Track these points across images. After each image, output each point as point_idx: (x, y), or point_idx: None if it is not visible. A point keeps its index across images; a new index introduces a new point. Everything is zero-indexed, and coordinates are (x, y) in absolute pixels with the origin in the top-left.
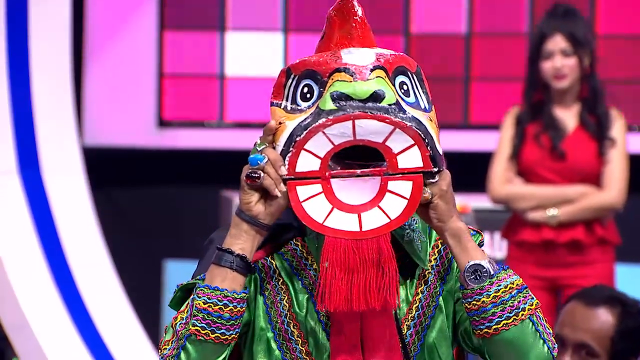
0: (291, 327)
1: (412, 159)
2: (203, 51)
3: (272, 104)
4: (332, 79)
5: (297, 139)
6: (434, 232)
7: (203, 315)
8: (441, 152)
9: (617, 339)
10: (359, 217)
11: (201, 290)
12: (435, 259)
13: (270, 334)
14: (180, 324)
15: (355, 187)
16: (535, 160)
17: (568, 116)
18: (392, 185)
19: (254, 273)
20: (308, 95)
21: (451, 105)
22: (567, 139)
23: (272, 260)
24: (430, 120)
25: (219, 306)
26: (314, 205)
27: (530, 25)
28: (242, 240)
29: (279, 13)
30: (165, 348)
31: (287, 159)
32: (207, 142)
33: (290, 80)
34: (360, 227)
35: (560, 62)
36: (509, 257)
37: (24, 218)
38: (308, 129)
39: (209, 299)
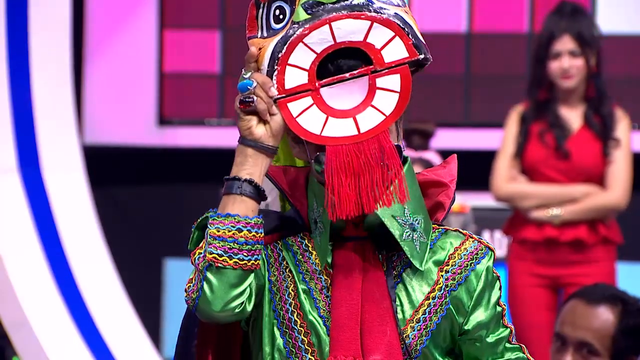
0: (295, 316)
1: (396, 50)
2: (203, 50)
3: (248, 39)
4: None
5: (280, 55)
6: (450, 235)
7: (218, 243)
8: (423, 41)
9: (618, 337)
10: (355, 120)
11: (213, 219)
12: (454, 263)
13: (274, 321)
14: (198, 257)
15: (345, 91)
16: (540, 159)
17: (573, 116)
18: (380, 81)
19: (266, 199)
20: (281, 17)
21: (452, 103)
22: (572, 138)
23: (281, 248)
24: (407, 12)
25: (233, 232)
26: (308, 118)
27: (531, 24)
28: (248, 166)
29: None
30: (189, 286)
31: (274, 78)
32: (208, 141)
33: (260, 10)
34: (358, 129)
35: (568, 62)
36: (511, 255)
37: (24, 216)
38: (287, 43)
39: (222, 225)
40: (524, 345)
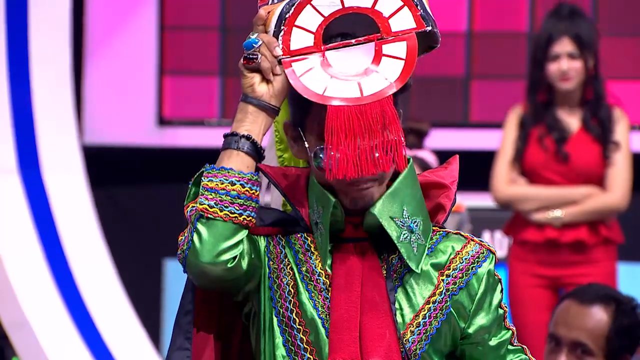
0: (294, 314)
1: (404, 20)
2: (203, 50)
3: (259, 7)
4: None
5: (287, 16)
6: (451, 238)
7: (210, 194)
8: (432, 14)
9: (613, 337)
10: (359, 83)
11: (208, 172)
12: (455, 267)
13: (275, 318)
14: (191, 210)
15: (351, 56)
16: (539, 163)
17: (571, 118)
18: (386, 48)
19: (263, 159)
20: None
21: (451, 103)
22: (571, 140)
23: (283, 245)
24: None
25: (225, 184)
26: (312, 78)
27: (531, 23)
28: (247, 122)
29: None
30: (180, 239)
31: (280, 38)
32: (208, 141)
33: None
34: (361, 92)
35: (567, 65)
36: (512, 255)
37: (24, 217)
38: (295, 5)
39: (215, 178)
40: (525, 347)
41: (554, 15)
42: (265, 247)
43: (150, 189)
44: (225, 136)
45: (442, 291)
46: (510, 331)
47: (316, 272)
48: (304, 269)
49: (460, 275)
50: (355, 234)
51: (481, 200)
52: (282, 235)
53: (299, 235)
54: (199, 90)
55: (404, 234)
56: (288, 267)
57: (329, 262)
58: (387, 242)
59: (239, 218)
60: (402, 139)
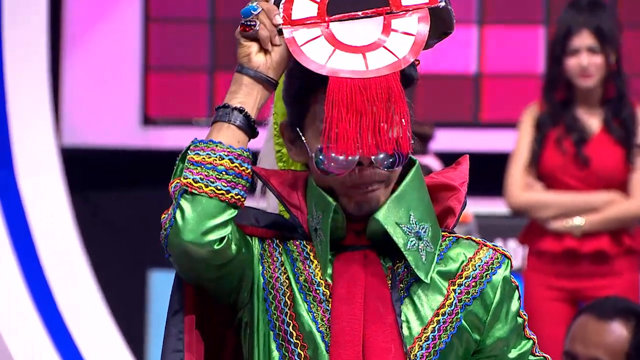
0: (290, 327)
1: None
2: (191, 43)
3: None
4: None
5: None
6: (462, 244)
7: (195, 168)
8: None
9: (633, 354)
10: (364, 56)
11: (195, 145)
12: (467, 276)
13: (270, 332)
14: (175, 186)
15: (358, 29)
16: (557, 166)
17: (592, 118)
18: (396, 23)
19: (257, 134)
20: None
21: (461, 102)
22: (591, 143)
23: (280, 252)
24: None
25: (213, 158)
26: (314, 48)
27: (547, 15)
28: (241, 94)
29: None
30: (164, 217)
31: (281, 7)
32: None
33: None
34: (366, 66)
35: (587, 59)
36: (528, 267)
37: None
38: None
39: (202, 152)
40: (548, 356)
41: (573, 6)
42: (260, 253)
43: (134, 194)
44: (217, 108)
45: (452, 302)
46: (531, 341)
47: (315, 282)
48: (302, 278)
49: (473, 284)
50: (357, 241)
51: (493, 207)
52: (279, 241)
53: (297, 242)
54: (187, 87)
55: (411, 241)
56: (284, 276)
57: (329, 271)
58: (392, 250)
59: (226, 195)
60: (409, 119)
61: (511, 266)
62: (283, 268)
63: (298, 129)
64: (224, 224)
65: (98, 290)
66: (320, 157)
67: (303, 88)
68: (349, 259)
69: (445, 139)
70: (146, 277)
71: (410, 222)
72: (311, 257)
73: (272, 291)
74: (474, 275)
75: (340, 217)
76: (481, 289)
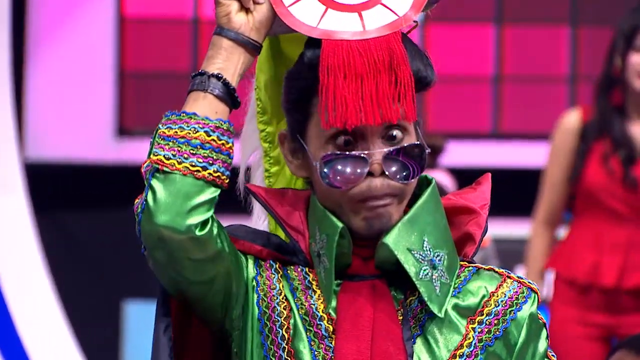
0: None
1: None
2: (172, 45)
3: None
4: None
5: None
6: (483, 276)
7: (167, 143)
8: None
9: None
10: (360, 15)
11: (167, 118)
12: (489, 312)
13: None
14: (146, 166)
15: None
16: (601, 187)
17: None
18: None
19: (238, 106)
20: None
21: (478, 110)
22: None
23: (279, 278)
24: None
25: (186, 131)
26: (303, 8)
27: (573, 10)
28: (220, 60)
29: None
30: (137, 202)
31: None
32: None
33: None
34: (363, 26)
35: None
36: (555, 296)
37: None
38: None
39: (174, 124)
40: None
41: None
42: (255, 278)
43: (107, 214)
44: (193, 76)
45: (471, 342)
46: None
47: (317, 315)
48: (302, 310)
49: (495, 321)
50: (364, 269)
51: (513, 229)
52: (278, 265)
53: (298, 269)
54: (167, 95)
55: (425, 270)
56: (282, 306)
57: (333, 303)
58: (404, 280)
59: (202, 172)
60: (412, 84)
61: (538, 301)
62: (281, 297)
63: (300, 138)
64: (202, 205)
65: (67, 324)
66: (325, 169)
67: (305, 90)
68: (355, 289)
69: (458, 152)
70: (121, 309)
71: (424, 248)
72: (313, 287)
73: (268, 323)
74: (496, 312)
75: (346, 242)
76: (504, 327)
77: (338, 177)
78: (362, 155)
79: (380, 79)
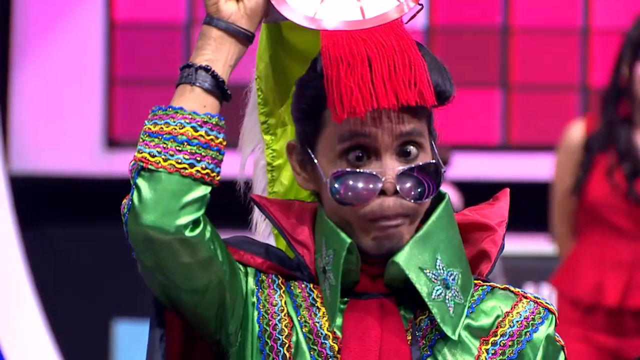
0: None
1: None
2: (164, 51)
3: None
4: None
5: None
6: (497, 296)
7: (152, 140)
8: None
9: None
10: (359, 4)
11: (153, 113)
12: (503, 333)
13: None
14: (132, 164)
15: None
16: (604, 201)
17: None
18: None
19: (229, 99)
20: None
21: (486, 119)
22: None
23: (282, 294)
24: None
25: (172, 127)
26: None
27: (585, 18)
28: (209, 51)
29: None
30: (124, 202)
31: None
32: None
33: None
34: (363, 14)
35: None
36: (560, 316)
37: None
38: None
39: (159, 120)
40: None
41: None
42: (255, 293)
43: (95, 229)
44: (181, 69)
45: None
46: None
47: (322, 333)
48: (306, 329)
49: (509, 343)
50: (372, 287)
51: (521, 246)
52: (281, 281)
53: (303, 285)
54: (158, 103)
55: (437, 290)
56: (284, 324)
57: (338, 322)
58: (414, 299)
59: (190, 170)
60: (426, 68)
61: (556, 322)
62: (283, 314)
63: (309, 150)
64: (191, 204)
65: (54, 344)
66: (336, 184)
67: (316, 100)
68: (362, 308)
69: (465, 164)
70: (110, 329)
71: (437, 267)
72: (318, 304)
73: (269, 341)
74: (511, 333)
75: (354, 259)
76: (519, 349)
77: (349, 194)
78: (374, 173)
79: (392, 61)
